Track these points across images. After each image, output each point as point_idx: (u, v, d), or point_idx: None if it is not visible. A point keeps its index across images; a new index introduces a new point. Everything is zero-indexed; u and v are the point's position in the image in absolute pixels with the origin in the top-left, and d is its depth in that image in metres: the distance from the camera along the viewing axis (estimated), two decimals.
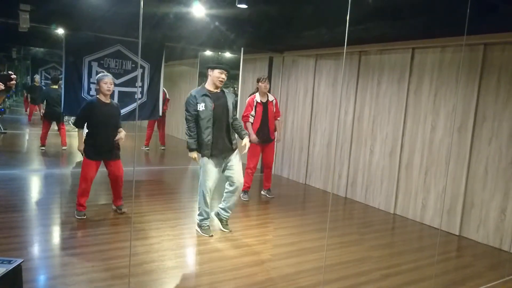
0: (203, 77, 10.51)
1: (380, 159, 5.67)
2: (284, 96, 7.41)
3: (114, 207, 4.62)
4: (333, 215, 5.33)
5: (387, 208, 5.55)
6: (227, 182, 4.18)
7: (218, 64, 4.04)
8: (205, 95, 3.96)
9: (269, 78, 7.45)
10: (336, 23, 4.83)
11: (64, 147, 8.30)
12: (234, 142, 4.12)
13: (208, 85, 4.04)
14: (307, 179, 6.93)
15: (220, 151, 4.02)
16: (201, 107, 3.92)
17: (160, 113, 7.15)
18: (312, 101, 6.80)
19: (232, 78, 7.34)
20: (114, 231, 4.08)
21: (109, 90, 4.29)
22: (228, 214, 4.28)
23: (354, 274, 3.45)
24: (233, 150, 4.11)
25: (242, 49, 7.06)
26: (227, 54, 8.33)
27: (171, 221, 4.44)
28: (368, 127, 5.84)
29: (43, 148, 8.11)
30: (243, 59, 7.18)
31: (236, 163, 4.11)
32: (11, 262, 2.34)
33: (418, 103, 5.19)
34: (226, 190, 4.22)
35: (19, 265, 2.35)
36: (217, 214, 4.31)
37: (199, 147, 4.00)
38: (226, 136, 4.06)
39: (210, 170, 4.02)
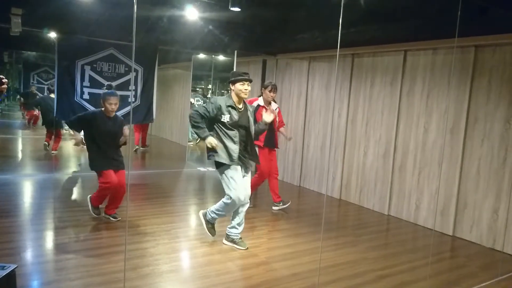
0: (196, 80, 10.53)
1: (374, 161, 5.70)
2: (278, 98, 7.41)
3: (105, 216, 4.43)
4: (328, 217, 5.35)
5: (381, 209, 5.58)
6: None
7: (239, 76, 3.73)
8: (231, 106, 3.75)
9: (263, 80, 7.47)
10: (329, 25, 4.85)
11: (53, 152, 8.21)
12: (251, 158, 3.94)
13: (233, 97, 3.81)
14: (301, 181, 6.95)
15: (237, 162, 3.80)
16: (226, 118, 3.72)
17: (154, 116, 7.13)
18: (306, 104, 6.82)
19: (226, 81, 7.36)
20: (109, 236, 4.05)
21: (113, 111, 4.24)
22: (238, 231, 3.94)
23: (349, 276, 3.46)
24: (249, 166, 3.93)
25: (236, 52, 7.07)
26: (221, 57, 8.34)
27: (165, 225, 4.42)
28: (362, 129, 5.88)
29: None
30: (236, 62, 7.18)
31: (245, 179, 3.89)
32: (5, 267, 2.33)
33: (410, 105, 5.23)
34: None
35: (13, 271, 2.34)
36: (227, 237, 3.96)
37: (222, 156, 3.75)
38: (245, 150, 3.86)
39: (235, 176, 3.78)
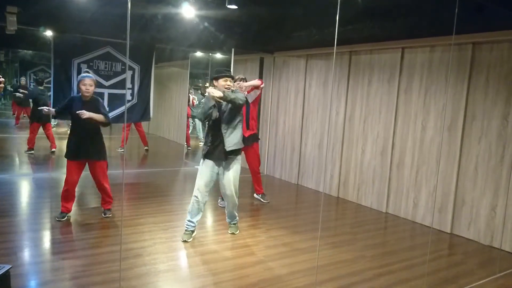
0: (193, 78, 10.50)
1: (372, 159, 5.69)
2: (276, 96, 7.41)
3: (102, 209, 4.59)
4: (326, 215, 5.34)
5: (379, 207, 5.57)
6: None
7: (221, 73, 3.89)
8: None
9: (260, 78, 7.45)
10: (326, 23, 4.84)
11: (53, 149, 8.16)
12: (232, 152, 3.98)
13: None
14: (299, 179, 6.93)
15: (215, 156, 3.98)
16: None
17: (151, 115, 7.10)
18: (303, 102, 6.80)
19: None
20: (105, 235, 4.04)
21: (87, 92, 4.18)
22: (229, 220, 4.32)
23: (347, 274, 3.45)
24: (229, 159, 4.01)
25: (233, 50, 7.04)
26: (218, 55, 8.31)
27: (163, 224, 4.41)
28: (359, 126, 5.86)
29: (32, 151, 7.93)
30: (234, 60, 7.16)
31: (229, 173, 4.03)
32: None
33: (408, 102, 5.22)
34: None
35: (7, 271, 2.32)
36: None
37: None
38: (222, 144, 3.94)
39: (201, 170, 4.03)
